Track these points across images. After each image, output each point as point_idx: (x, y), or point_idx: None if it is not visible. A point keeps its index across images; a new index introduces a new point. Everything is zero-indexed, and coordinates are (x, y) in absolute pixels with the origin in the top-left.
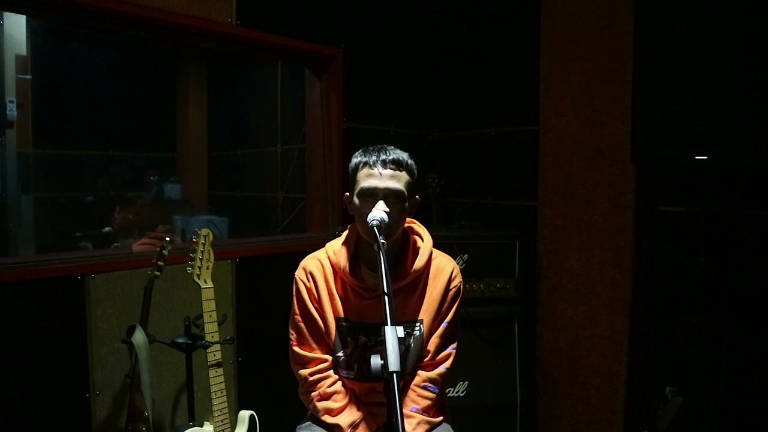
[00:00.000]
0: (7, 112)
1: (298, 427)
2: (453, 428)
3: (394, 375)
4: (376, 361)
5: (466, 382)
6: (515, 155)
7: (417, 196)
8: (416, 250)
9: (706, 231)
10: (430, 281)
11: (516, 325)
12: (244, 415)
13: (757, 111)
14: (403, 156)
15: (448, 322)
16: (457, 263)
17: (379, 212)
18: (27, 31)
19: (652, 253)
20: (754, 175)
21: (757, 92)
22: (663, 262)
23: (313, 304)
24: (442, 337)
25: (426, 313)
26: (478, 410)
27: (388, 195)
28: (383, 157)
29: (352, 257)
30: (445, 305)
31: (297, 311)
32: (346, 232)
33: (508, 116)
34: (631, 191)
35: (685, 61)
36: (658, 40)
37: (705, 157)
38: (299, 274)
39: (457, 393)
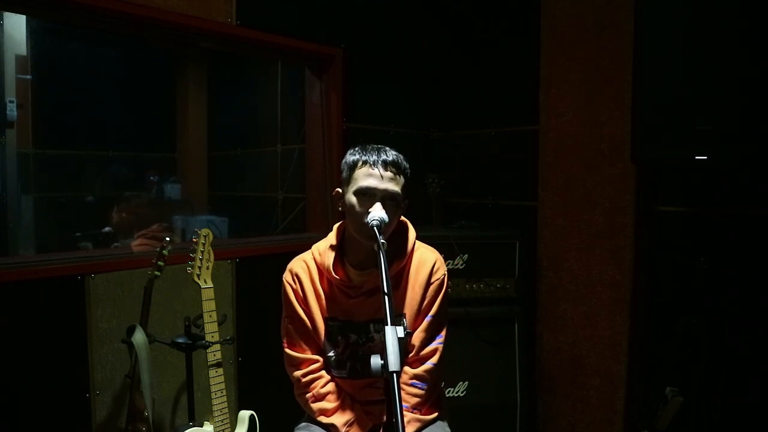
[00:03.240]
0: (7, 112)
1: (296, 428)
2: (450, 426)
3: (394, 375)
4: (376, 361)
5: (466, 382)
6: (515, 155)
7: (407, 200)
8: (398, 244)
9: (706, 231)
10: (411, 274)
11: (516, 325)
12: (244, 415)
13: (756, 111)
14: (401, 159)
15: (432, 316)
16: (457, 263)
17: (379, 212)
18: (27, 31)
19: (652, 253)
20: (754, 175)
21: (757, 92)
22: (663, 262)
23: (300, 306)
24: (426, 331)
25: (409, 306)
26: (478, 410)
27: (385, 197)
28: (384, 158)
29: (338, 256)
30: (428, 299)
31: (285, 313)
32: (332, 232)
33: (508, 116)
34: (631, 191)
35: (685, 61)
36: (658, 41)
37: (705, 157)
38: (285, 276)
39: (457, 393)
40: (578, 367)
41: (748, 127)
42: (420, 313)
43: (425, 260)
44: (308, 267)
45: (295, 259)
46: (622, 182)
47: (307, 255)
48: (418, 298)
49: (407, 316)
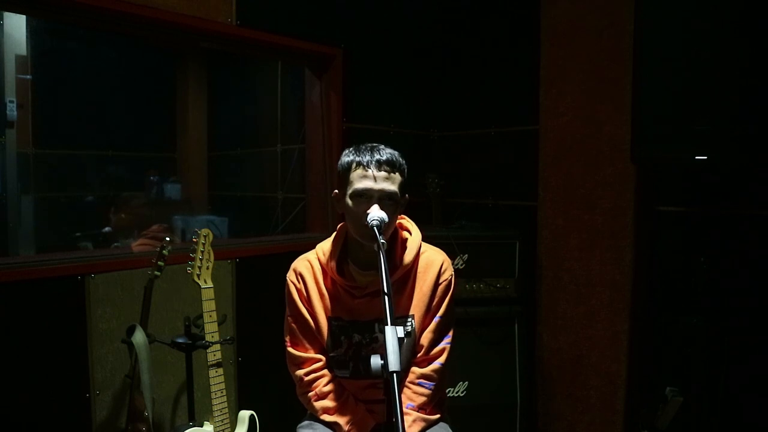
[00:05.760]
0: (7, 112)
1: (298, 426)
2: (451, 427)
3: (394, 375)
4: (376, 361)
5: (466, 382)
6: (515, 155)
7: (406, 195)
8: (405, 245)
9: (706, 231)
10: (419, 276)
11: (516, 325)
12: (244, 415)
13: (756, 111)
14: (396, 156)
15: (440, 317)
16: (457, 263)
17: (378, 212)
18: (27, 31)
19: (652, 253)
20: (753, 175)
21: (757, 93)
22: (663, 262)
23: (303, 305)
24: (434, 332)
25: (417, 308)
26: (478, 410)
27: (382, 197)
28: (377, 157)
29: (341, 256)
30: (436, 299)
31: (289, 312)
32: (335, 232)
33: (508, 116)
34: (631, 191)
35: (685, 61)
36: (658, 41)
37: (705, 157)
38: (289, 275)
39: (457, 393)
40: (578, 367)
41: (748, 127)
42: (428, 314)
43: (432, 261)
44: (312, 266)
45: (299, 258)
46: (622, 182)
47: (311, 254)
48: (426, 299)
49: (416, 317)
